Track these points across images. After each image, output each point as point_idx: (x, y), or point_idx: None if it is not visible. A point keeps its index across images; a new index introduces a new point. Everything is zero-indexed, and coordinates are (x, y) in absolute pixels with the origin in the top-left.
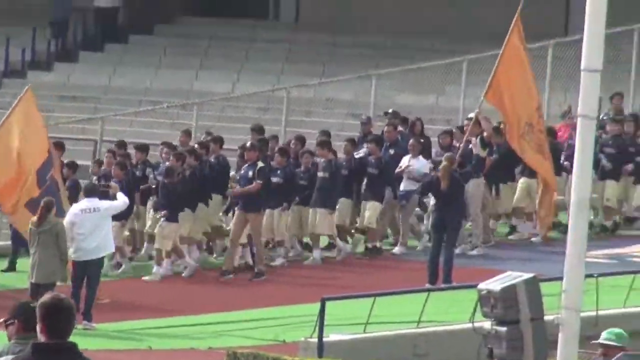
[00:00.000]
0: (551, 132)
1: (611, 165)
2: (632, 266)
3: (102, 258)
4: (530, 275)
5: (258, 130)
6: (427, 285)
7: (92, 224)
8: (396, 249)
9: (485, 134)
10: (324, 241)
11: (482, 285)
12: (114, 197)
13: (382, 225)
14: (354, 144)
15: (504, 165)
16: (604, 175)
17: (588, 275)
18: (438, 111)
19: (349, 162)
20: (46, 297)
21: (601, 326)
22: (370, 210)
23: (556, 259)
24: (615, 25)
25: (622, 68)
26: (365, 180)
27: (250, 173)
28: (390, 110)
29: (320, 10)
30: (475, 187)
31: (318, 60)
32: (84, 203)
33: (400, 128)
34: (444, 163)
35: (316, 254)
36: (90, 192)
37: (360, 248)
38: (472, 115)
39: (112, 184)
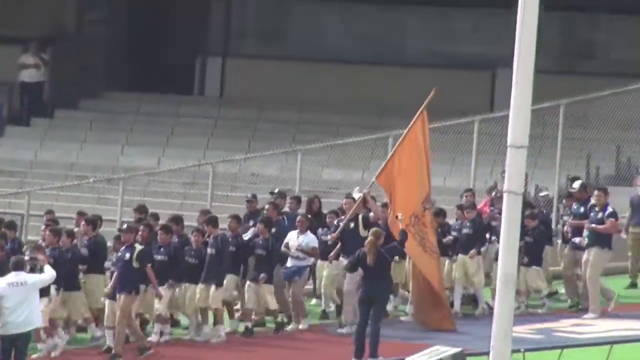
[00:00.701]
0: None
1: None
2: (559, 341)
3: (30, 332)
4: (457, 349)
5: (140, 210)
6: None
7: (19, 298)
8: (301, 326)
9: (371, 215)
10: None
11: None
12: (42, 270)
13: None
14: (238, 220)
15: None
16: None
17: (515, 350)
18: (364, 186)
19: (235, 239)
20: None
21: None
22: (267, 292)
23: (483, 334)
24: (541, 100)
25: (549, 144)
26: (253, 261)
27: (127, 255)
28: (276, 190)
29: (244, 85)
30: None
31: (243, 136)
32: (12, 277)
33: (286, 209)
34: (370, 238)
35: (206, 329)
36: (18, 265)
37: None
38: (356, 194)
39: (40, 256)
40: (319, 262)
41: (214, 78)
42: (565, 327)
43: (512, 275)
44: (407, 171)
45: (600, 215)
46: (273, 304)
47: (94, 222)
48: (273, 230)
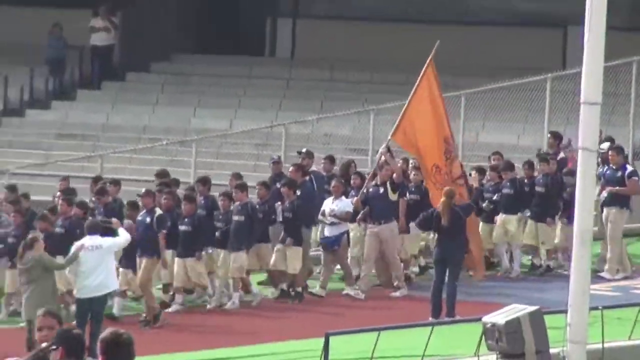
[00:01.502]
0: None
1: None
2: (637, 298)
3: (106, 295)
4: (535, 307)
5: (161, 175)
6: (431, 319)
7: (94, 261)
8: (352, 292)
9: (394, 175)
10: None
11: (487, 319)
12: (116, 234)
13: (307, 267)
14: (267, 187)
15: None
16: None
17: (593, 308)
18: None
19: (262, 206)
20: (106, 332)
21: (607, 359)
22: (293, 256)
23: (561, 291)
24: (614, 58)
25: (622, 100)
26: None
27: (148, 219)
28: (303, 150)
29: (316, 46)
30: (388, 233)
31: (315, 96)
32: (86, 240)
33: (313, 167)
34: (443, 198)
35: (235, 297)
36: (92, 228)
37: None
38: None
39: (114, 219)
40: (350, 225)
41: (285, 39)
42: None
43: (588, 232)
44: (422, 124)
45: (619, 174)
46: (296, 269)
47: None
48: (298, 192)
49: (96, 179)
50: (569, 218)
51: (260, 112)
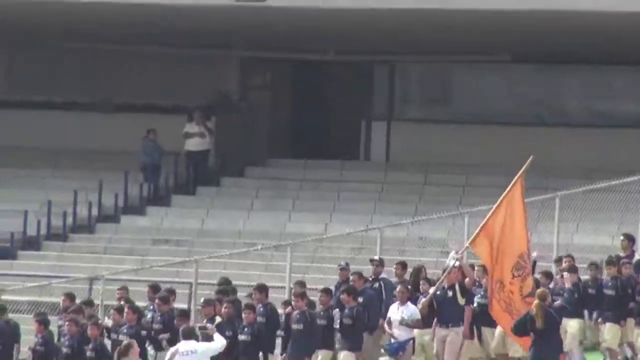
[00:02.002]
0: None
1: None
2: None
3: None
4: None
5: (222, 283)
6: None
7: None
8: None
9: (466, 281)
10: None
11: None
12: (211, 339)
13: None
14: (329, 294)
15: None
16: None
17: None
18: (531, 248)
19: (327, 312)
20: None
21: None
22: None
23: None
24: None
25: None
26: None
27: None
28: (376, 257)
29: (410, 149)
30: (454, 336)
31: (410, 200)
32: (182, 345)
33: (384, 274)
34: (536, 301)
35: None
36: (188, 334)
37: None
38: (452, 262)
39: (209, 325)
40: (416, 331)
41: (380, 142)
42: None
43: None
44: (499, 237)
45: None
46: None
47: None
48: (360, 299)
49: (154, 287)
50: None
51: (355, 216)
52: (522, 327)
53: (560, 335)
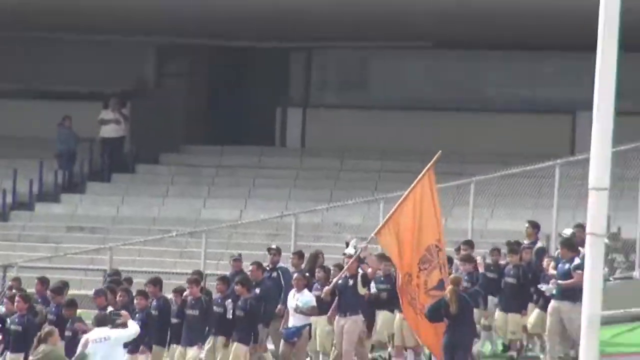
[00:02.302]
0: None
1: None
2: None
3: None
4: None
5: (113, 274)
6: None
7: (103, 353)
8: None
9: (369, 271)
10: None
11: None
12: (125, 325)
13: None
14: (226, 282)
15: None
16: None
17: None
18: (446, 233)
19: (223, 300)
20: None
21: None
22: (237, 354)
23: None
24: (623, 142)
25: (630, 185)
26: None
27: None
28: (273, 246)
29: (326, 135)
30: (353, 325)
31: (325, 185)
32: (95, 333)
33: (281, 263)
34: (450, 286)
35: None
36: (101, 321)
37: None
38: (351, 250)
39: (123, 312)
40: (313, 317)
41: (295, 128)
42: None
43: (596, 317)
44: (405, 229)
45: (567, 266)
46: None
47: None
48: (257, 290)
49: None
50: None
51: (271, 201)
52: (436, 313)
53: (474, 320)
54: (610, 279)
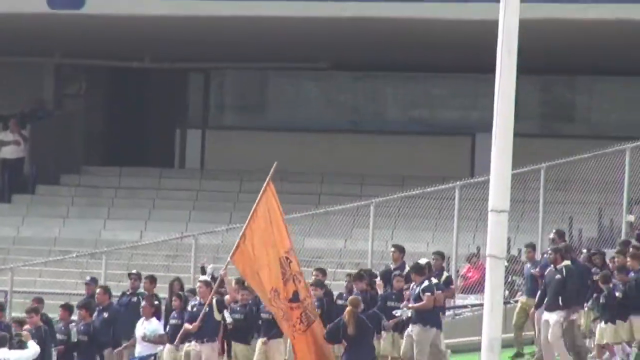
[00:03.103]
0: None
1: None
2: None
3: None
4: None
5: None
6: None
7: None
8: None
9: (226, 297)
10: None
11: None
12: (25, 346)
13: None
14: (66, 309)
15: None
16: None
17: None
18: (346, 255)
19: (66, 328)
20: None
21: None
22: None
23: None
24: (522, 164)
25: (530, 207)
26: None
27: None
28: (134, 271)
29: (225, 157)
30: (209, 352)
31: (225, 207)
32: None
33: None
34: (348, 308)
35: None
36: (0, 342)
37: None
38: (208, 277)
39: (24, 332)
40: (168, 345)
41: (194, 150)
42: None
43: (496, 340)
44: (260, 246)
45: (417, 290)
46: None
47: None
48: (106, 314)
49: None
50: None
51: (171, 223)
52: (334, 334)
53: (373, 342)
54: (511, 301)
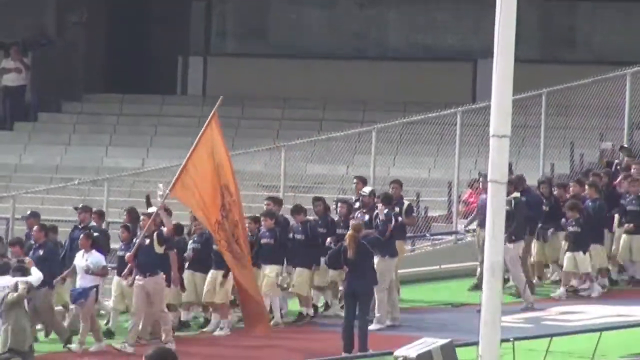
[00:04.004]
0: None
1: None
2: (548, 329)
3: None
4: (446, 340)
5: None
6: (343, 354)
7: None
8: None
9: (164, 229)
10: None
11: (398, 352)
12: (28, 273)
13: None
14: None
15: None
16: None
17: (504, 340)
18: (348, 181)
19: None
20: (151, 349)
21: None
22: None
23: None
24: (524, 90)
25: (532, 132)
26: None
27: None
28: (80, 205)
29: (227, 84)
30: (153, 285)
31: (227, 133)
32: None
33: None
34: (350, 232)
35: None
36: (3, 269)
37: None
38: (153, 209)
39: (27, 258)
40: (116, 277)
41: (196, 77)
42: (554, 315)
43: (498, 264)
44: (203, 178)
45: (381, 218)
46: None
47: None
48: (41, 252)
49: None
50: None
51: (172, 150)
52: (335, 259)
53: (374, 267)
54: (470, 230)
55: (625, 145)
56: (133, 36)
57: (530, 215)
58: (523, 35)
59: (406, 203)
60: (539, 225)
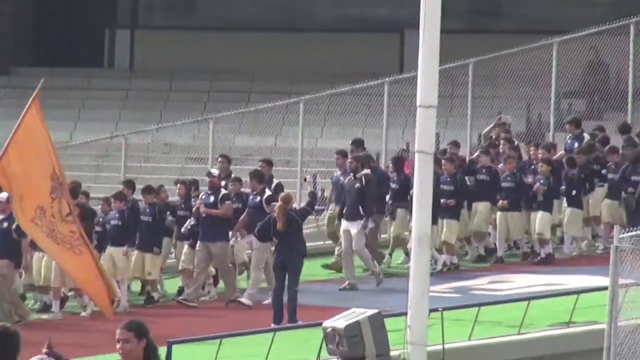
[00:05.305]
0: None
1: None
2: (477, 299)
3: None
4: (375, 311)
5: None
6: (273, 325)
7: None
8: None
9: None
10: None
11: (327, 323)
12: None
13: None
14: None
15: None
16: None
17: (433, 310)
18: (276, 152)
19: None
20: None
21: None
22: None
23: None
24: (451, 60)
25: (459, 102)
26: None
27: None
28: None
29: (154, 57)
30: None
31: (155, 106)
32: None
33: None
34: (279, 203)
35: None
36: None
37: None
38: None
39: None
40: None
41: (124, 50)
42: (483, 284)
43: (426, 235)
44: (26, 162)
45: (258, 199)
46: None
47: None
48: None
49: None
50: None
51: (100, 123)
52: (265, 232)
53: (303, 239)
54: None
55: (503, 120)
56: (60, 9)
57: (380, 192)
58: (449, 6)
59: (275, 182)
60: (389, 202)
